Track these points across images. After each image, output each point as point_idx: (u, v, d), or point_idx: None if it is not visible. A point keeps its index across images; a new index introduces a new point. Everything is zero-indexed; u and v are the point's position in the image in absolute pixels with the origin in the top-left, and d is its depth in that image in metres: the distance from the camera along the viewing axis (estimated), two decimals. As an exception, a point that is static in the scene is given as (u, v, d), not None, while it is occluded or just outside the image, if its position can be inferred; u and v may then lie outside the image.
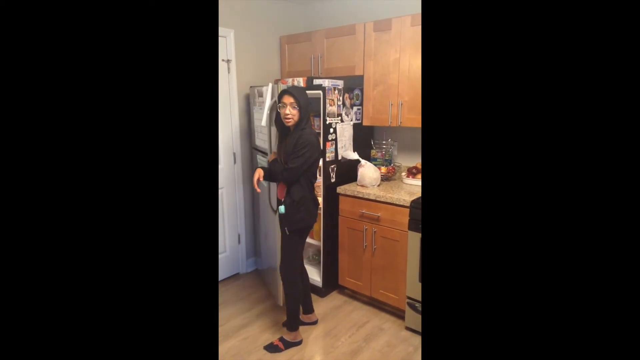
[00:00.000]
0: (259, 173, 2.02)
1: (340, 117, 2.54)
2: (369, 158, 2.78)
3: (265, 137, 2.47)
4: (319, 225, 2.59)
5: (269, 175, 2.04)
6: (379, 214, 2.39)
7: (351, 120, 2.64)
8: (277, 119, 2.04)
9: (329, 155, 2.52)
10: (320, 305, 2.59)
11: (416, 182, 2.54)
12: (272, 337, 2.25)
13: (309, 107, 1.99)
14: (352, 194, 2.51)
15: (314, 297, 2.54)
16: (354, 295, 2.72)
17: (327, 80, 2.44)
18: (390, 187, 2.54)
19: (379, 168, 2.63)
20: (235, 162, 2.92)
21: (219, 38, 2.67)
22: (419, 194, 2.32)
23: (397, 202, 2.28)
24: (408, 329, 2.33)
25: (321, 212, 2.53)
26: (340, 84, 2.52)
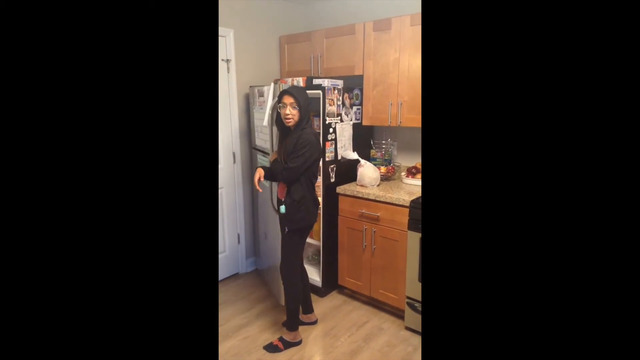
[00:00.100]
0: (259, 173, 2.02)
1: (339, 117, 2.54)
2: (368, 158, 2.78)
3: (266, 137, 2.47)
4: (319, 225, 2.59)
5: (270, 175, 2.04)
6: (378, 214, 2.39)
7: (351, 120, 2.64)
8: (277, 119, 2.04)
9: (329, 155, 2.52)
10: (320, 305, 2.59)
11: (416, 182, 2.54)
12: (271, 337, 2.25)
13: (309, 107, 1.99)
14: (352, 194, 2.51)
15: (313, 297, 2.54)
16: (353, 295, 2.72)
17: (326, 80, 2.44)
18: (390, 187, 2.54)
19: (379, 168, 2.63)
20: (234, 162, 2.92)
21: (219, 38, 2.67)
22: (419, 194, 2.32)
23: (397, 202, 2.28)
24: (407, 328, 2.33)
25: (321, 212, 2.53)
26: (339, 83, 2.52)
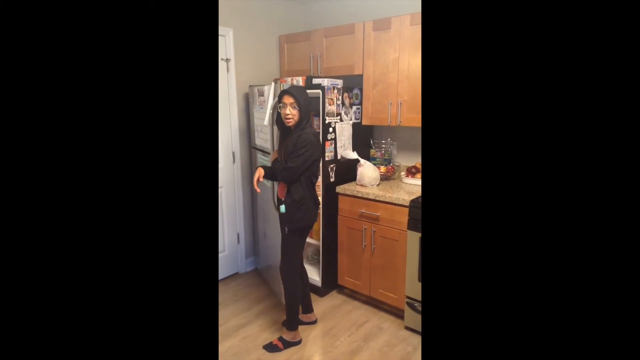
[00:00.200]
0: (259, 172, 2.02)
1: (339, 117, 2.54)
2: (368, 157, 2.78)
3: (266, 137, 2.47)
4: (318, 225, 2.59)
5: (270, 175, 2.04)
6: (378, 214, 2.39)
7: (350, 120, 2.64)
8: (277, 118, 2.04)
9: (328, 155, 2.52)
10: (320, 305, 2.59)
11: (415, 182, 2.54)
12: (271, 337, 2.25)
13: (309, 107, 1.99)
14: (352, 194, 2.51)
15: (313, 296, 2.54)
16: (353, 294, 2.72)
17: (326, 80, 2.44)
18: (390, 186, 2.54)
19: (378, 167, 2.63)
20: (234, 161, 2.92)
21: (218, 37, 2.67)
22: (418, 194, 2.32)
23: (397, 202, 2.28)
24: (407, 328, 2.33)
25: (320, 211, 2.53)
26: (339, 83, 2.52)
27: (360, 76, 2.62)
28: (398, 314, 2.45)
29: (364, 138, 2.81)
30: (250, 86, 2.82)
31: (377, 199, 2.37)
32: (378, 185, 2.56)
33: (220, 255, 2.94)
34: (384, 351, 2.13)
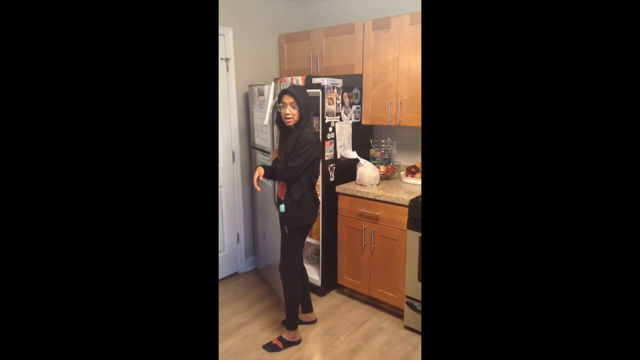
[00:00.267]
0: (259, 171, 2.02)
1: (339, 116, 2.54)
2: (368, 157, 2.77)
3: (266, 136, 2.46)
4: (318, 224, 2.59)
5: (271, 174, 2.04)
6: (377, 213, 2.39)
7: (350, 119, 2.64)
8: (277, 118, 2.04)
9: (328, 154, 2.52)
10: (319, 305, 2.59)
11: (415, 181, 2.54)
12: (271, 336, 2.25)
13: (309, 107, 1.99)
14: (351, 193, 2.51)
15: (312, 296, 2.54)
16: (352, 294, 2.72)
17: (326, 79, 2.44)
18: (389, 186, 2.54)
19: (378, 167, 2.63)
20: (234, 161, 2.92)
21: (218, 36, 2.66)
22: (418, 193, 2.32)
23: (396, 201, 2.28)
24: (407, 328, 2.33)
25: (320, 211, 2.53)
26: (339, 82, 2.51)
27: (360, 76, 2.62)
28: (398, 313, 2.45)
29: (363, 137, 2.81)
30: (250, 86, 2.81)
31: (377, 198, 2.37)
32: (378, 184, 2.56)
33: (220, 254, 2.94)
34: (384, 351, 2.13)
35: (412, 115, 2.41)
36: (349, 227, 2.57)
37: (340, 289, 2.79)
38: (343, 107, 2.56)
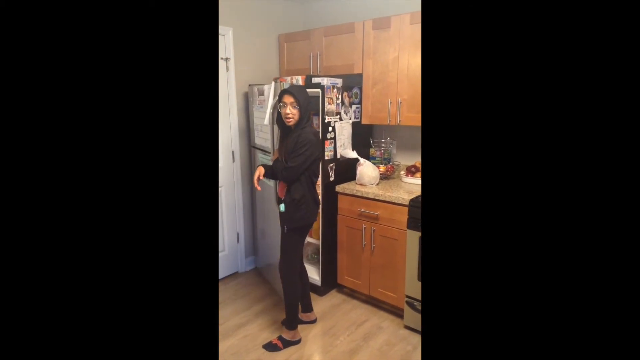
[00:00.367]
0: (259, 171, 2.02)
1: (339, 116, 2.54)
2: (367, 157, 2.77)
3: (266, 136, 2.46)
4: (318, 224, 2.58)
5: (271, 174, 2.04)
6: (377, 213, 2.39)
7: (350, 119, 2.64)
8: (278, 118, 2.04)
9: (328, 154, 2.52)
10: (319, 304, 2.59)
11: (415, 181, 2.54)
12: (271, 336, 2.25)
13: (309, 106, 1.99)
14: (351, 193, 2.51)
15: (312, 295, 2.54)
16: (352, 294, 2.72)
17: (325, 79, 2.44)
18: (389, 185, 2.54)
19: (378, 167, 2.63)
20: (234, 160, 2.92)
21: (218, 36, 2.66)
22: (418, 193, 2.32)
23: (396, 201, 2.28)
24: (407, 327, 2.33)
25: (320, 210, 2.53)
26: (339, 82, 2.51)
27: (360, 75, 2.62)
28: (397, 313, 2.45)
29: (363, 137, 2.81)
30: (250, 85, 2.81)
31: (377, 198, 2.37)
32: (378, 184, 2.56)
33: (220, 254, 2.93)
34: (384, 350, 2.13)
35: (412, 115, 2.41)
36: (349, 227, 2.57)
37: (340, 288, 2.79)
38: (343, 107, 2.56)
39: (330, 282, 2.73)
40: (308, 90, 2.14)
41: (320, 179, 2.49)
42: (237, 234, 3.03)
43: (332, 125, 2.50)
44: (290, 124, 1.95)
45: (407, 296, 2.30)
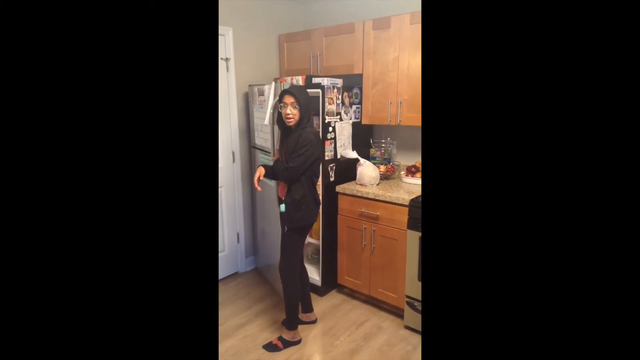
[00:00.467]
0: (260, 171, 2.02)
1: (339, 116, 2.54)
2: (368, 157, 2.77)
3: (266, 136, 2.46)
4: (318, 224, 2.58)
5: (271, 174, 2.04)
6: (378, 213, 2.39)
7: (350, 119, 2.64)
8: (278, 118, 2.04)
9: (328, 154, 2.52)
10: (319, 304, 2.59)
11: (415, 181, 2.54)
12: (271, 336, 2.25)
13: (310, 106, 1.99)
14: (351, 193, 2.51)
15: (312, 296, 2.54)
16: (352, 294, 2.72)
17: (326, 79, 2.44)
18: (390, 185, 2.54)
19: (378, 167, 2.63)
20: (234, 161, 2.92)
21: (218, 36, 2.66)
22: (418, 193, 2.32)
23: (396, 201, 2.28)
24: (407, 327, 2.33)
25: (320, 211, 2.53)
26: (339, 82, 2.51)
27: (360, 75, 2.62)
28: (398, 313, 2.45)
29: (363, 137, 2.81)
30: (250, 85, 2.81)
31: (377, 198, 2.37)
32: (378, 184, 2.55)
33: (220, 254, 2.93)
34: (384, 350, 2.13)
35: (412, 115, 2.41)
36: (349, 227, 2.57)
37: (341, 288, 2.79)
38: (343, 107, 2.56)
39: (330, 282, 2.73)
40: (308, 90, 2.14)
41: (320, 179, 2.49)
42: (238, 234, 3.03)
43: (333, 125, 2.50)
44: (291, 124, 1.95)
45: (407, 296, 2.30)
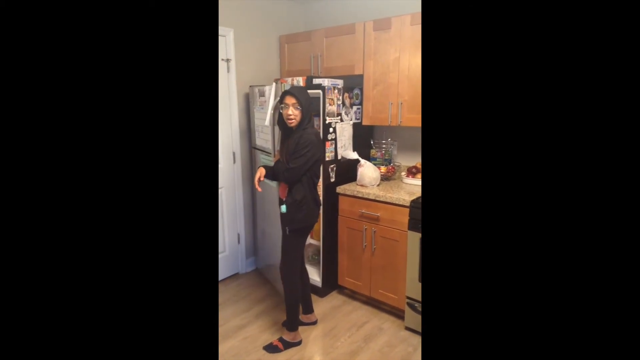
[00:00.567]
0: (260, 172, 2.02)
1: (339, 117, 2.54)
2: (368, 158, 2.77)
3: (267, 137, 2.46)
4: (319, 225, 2.58)
5: (272, 175, 2.04)
6: (378, 214, 2.38)
7: (351, 120, 2.64)
8: (279, 119, 2.04)
9: (329, 155, 2.52)
10: (320, 305, 2.58)
11: (416, 182, 2.53)
12: (271, 337, 2.24)
13: (311, 107, 1.99)
14: (352, 194, 2.50)
15: (313, 297, 2.54)
16: (353, 295, 2.72)
17: (326, 80, 2.44)
18: (390, 186, 2.54)
19: (379, 168, 2.63)
20: (234, 161, 2.92)
21: (219, 37, 2.66)
22: (419, 194, 2.32)
23: (397, 202, 2.27)
24: (407, 328, 2.33)
25: (320, 211, 2.53)
26: (339, 83, 2.51)
27: (361, 76, 2.62)
28: (398, 314, 2.44)
29: (364, 138, 2.81)
30: (250, 86, 2.81)
31: (378, 199, 2.37)
32: (378, 185, 2.55)
33: (220, 255, 2.93)
34: (385, 352, 2.13)
35: (412, 116, 2.41)
36: (350, 228, 2.56)
37: (341, 289, 2.79)
38: (344, 108, 2.56)
39: (330, 283, 2.73)
40: (309, 91, 2.14)
41: (321, 180, 2.48)
42: (238, 235, 3.03)
43: (333, 126, 2.50)
44: (293, 125, 1.95)
45: (408, 297, 2.29)
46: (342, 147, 2.60)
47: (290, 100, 1.91)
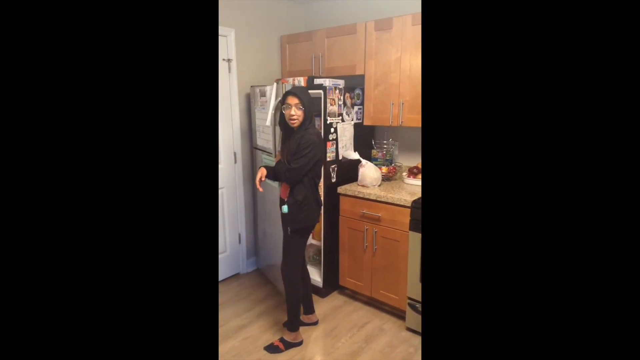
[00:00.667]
0: (261, 172, 2.02)
1: (341, 117, 2.54)
2: (369, 158, 2.77)
3: (268, 137, 2.46)
4: (320, 225, 2.58)
5: (273, 175, 2.04)
6: (379, 214, 2.38)
7: (352, 120, 2.64)
8: (281, 119, 2.04)
9: (330, 155, 2.52)
10: (321, 306, 2.58)
11: (417, 182, 2.53)
12: (272, 338, 2.24)
13: (312, 107, 1.99)
14: (353, 194, 2.50)
15: (314, 297, 2.54)
16: (354, 295, 2.72)
17: (327, 80, 2.44)
18: (391, 187, 2.54)
19: (380, 168, 2.63)
20: (235, 161, 2.92)
21: (220, 37, 2.66)
22: (420, 194, 2.31)
23: (398, 202, 2.27)
24: (409, 329, 2.32)
25: (322, 212, 2.52)
26: (341, 83, 2.51)
27: (362, 76, 2.62)
28: (399, 315, 2.44)
29: (365, 138, 2.80)
30: (251, 86, 2.81)
31: (379, 199, 2.37)
32: (379, 185, 2.55)
33: (221, 255, 2.93)
34: (386, 352, 2.13)
35: (413, 116, 2.41)
36: (351, 228, 2.56)
37: (342, 290, 2.78)
38: (345, 108, 2.56)
39: (331, 283, 2.72)
40: (310, 91, 2.14)
41: (322, 180, 2.48)
42: (239, 235, 3.03)
43: (334, 126, 2.50)
44: (295, 125, 1.95)
45: (409, 298, 2.29)
46: (343, 147, 2.60)
47: (292, 100, 1.91)
